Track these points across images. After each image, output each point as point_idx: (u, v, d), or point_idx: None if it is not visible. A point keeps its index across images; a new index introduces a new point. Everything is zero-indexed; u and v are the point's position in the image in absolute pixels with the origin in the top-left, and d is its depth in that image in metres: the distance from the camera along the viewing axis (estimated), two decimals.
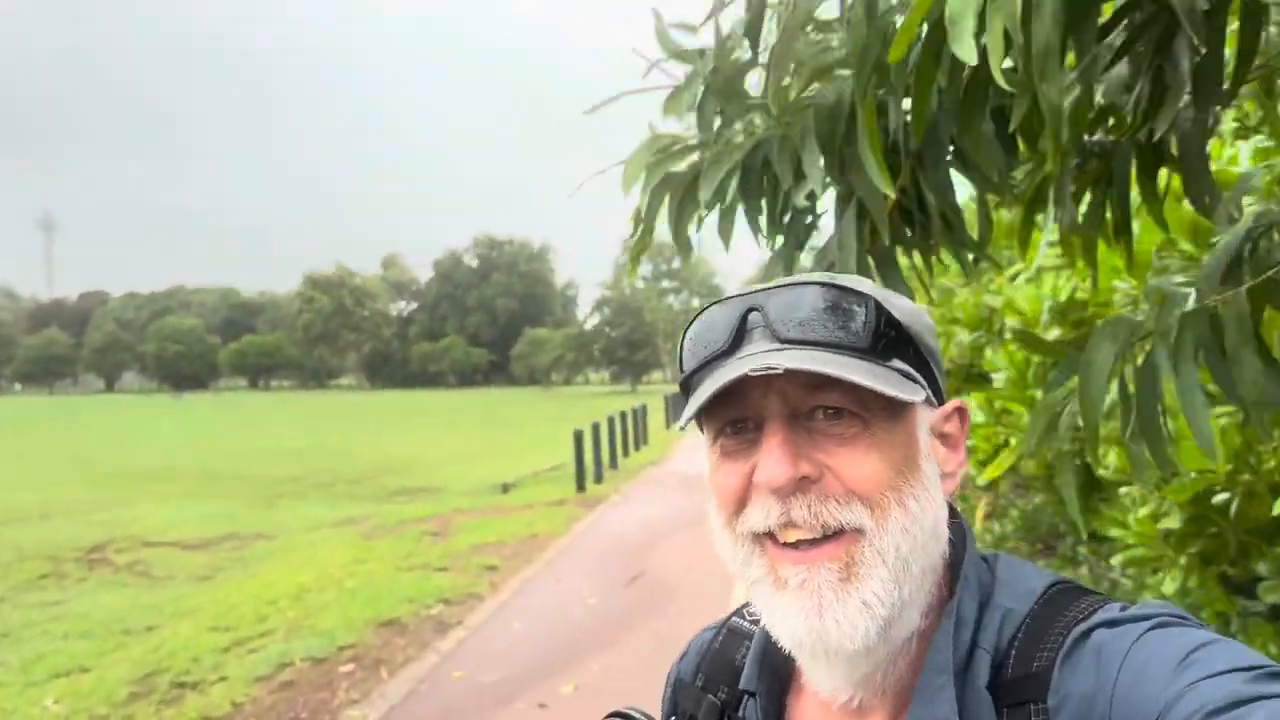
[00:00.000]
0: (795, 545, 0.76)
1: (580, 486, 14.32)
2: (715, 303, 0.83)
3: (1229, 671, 0.63)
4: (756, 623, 0.93)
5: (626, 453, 19.44)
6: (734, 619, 0.99)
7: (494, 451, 25.32)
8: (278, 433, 35.93)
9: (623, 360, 73.50)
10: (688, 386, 0.82)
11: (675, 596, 7.74)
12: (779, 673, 0.89)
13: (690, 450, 20.64)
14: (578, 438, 14.19)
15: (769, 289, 0.80)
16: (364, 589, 8.69)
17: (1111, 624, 0.72)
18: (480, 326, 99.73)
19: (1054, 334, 3.09)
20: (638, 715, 0.92)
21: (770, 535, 0.77)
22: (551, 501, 13.62)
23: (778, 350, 0.75)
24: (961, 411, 0.87)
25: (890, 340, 0.78)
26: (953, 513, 0.84)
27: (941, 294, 5.28)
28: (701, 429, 0.83)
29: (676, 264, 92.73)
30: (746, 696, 0.89)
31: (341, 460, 24.53)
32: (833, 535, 0.75)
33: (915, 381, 0.79)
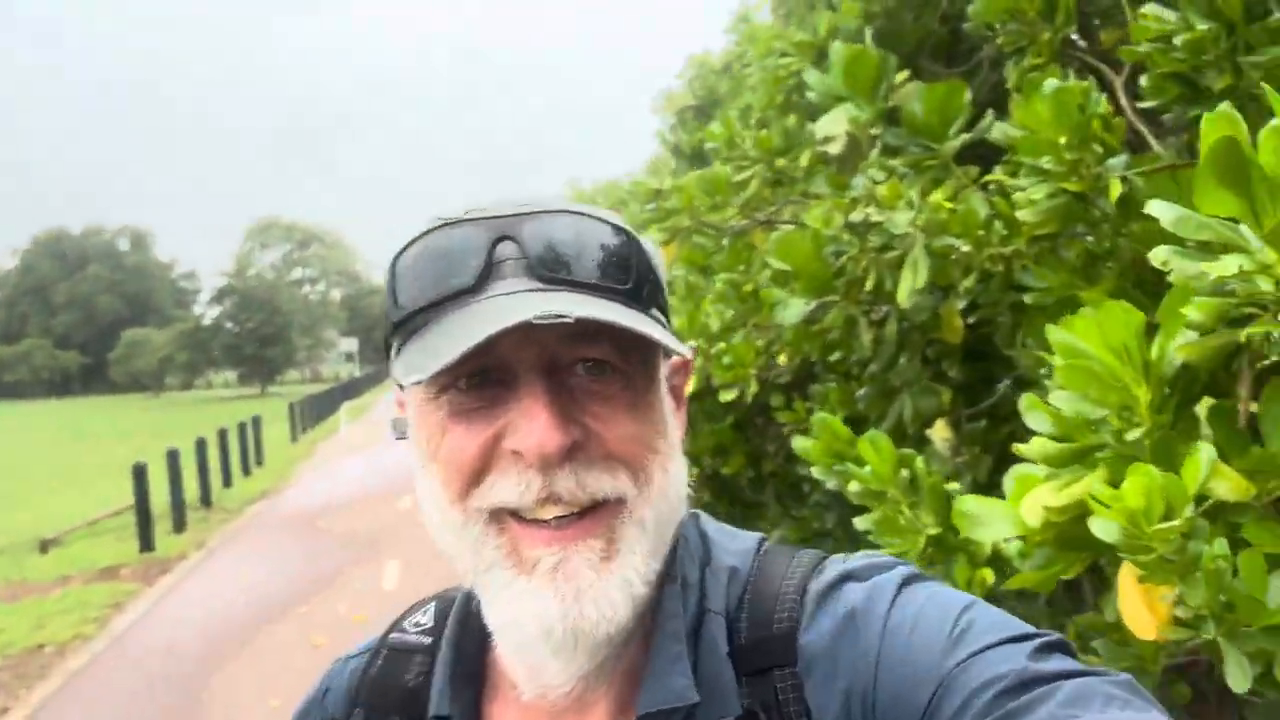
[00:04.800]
0: (547, 522, 0.65)
1: (147, 544, 10.33)
2: (445, 224, 0.67)
3: (1005, 642, 0.60)
4: (427, 634, 0.81)
5: (229, 482, 15.31)
6: (392, 636, 0.83)
7: (59, 481, 19.68)
8: None
9: (251, 358, 64.53)
10: (410, 327, 0.66)
11: None
12: (474, 684, 0.77)
13: (320, 470, 16.89)
14: (138, 474, 10.16)
15: (519, 215, 0.67)
16: None
17: (855, 577, 0.69)
18: (72, 326, 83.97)
19: None
20: None
21: (513, 512, 0.65)
22: (101, 570, 9.57)
23: (539, 291, 0.64)
24: (688, 364, 0.78)
25: (651, 284, 0.70)
26: None
27: None
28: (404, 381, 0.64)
29: (312, 249, 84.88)
30: None
31: None
32: (591, 508, 0.65)
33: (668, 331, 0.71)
